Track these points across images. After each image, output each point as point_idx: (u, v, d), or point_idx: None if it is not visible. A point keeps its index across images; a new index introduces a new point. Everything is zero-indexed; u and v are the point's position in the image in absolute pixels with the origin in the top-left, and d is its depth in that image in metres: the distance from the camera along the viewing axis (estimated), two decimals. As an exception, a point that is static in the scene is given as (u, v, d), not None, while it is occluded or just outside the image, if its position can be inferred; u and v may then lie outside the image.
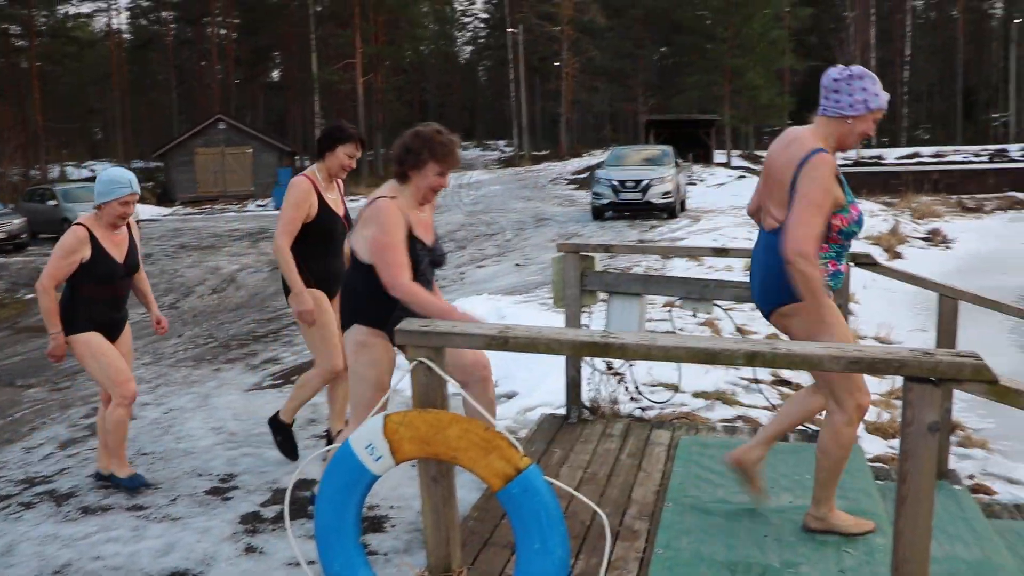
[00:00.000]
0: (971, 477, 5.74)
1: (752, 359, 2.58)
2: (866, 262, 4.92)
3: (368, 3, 47.41)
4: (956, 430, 6.59)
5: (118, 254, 5.01)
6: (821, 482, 3.77)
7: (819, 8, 59.18)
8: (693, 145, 36.49)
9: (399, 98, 55.21)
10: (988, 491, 5.66)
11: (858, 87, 3.48)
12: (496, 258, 18.02)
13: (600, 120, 70.67)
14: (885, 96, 3.55)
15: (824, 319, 3.45)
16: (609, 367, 6.72)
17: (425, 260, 3.94)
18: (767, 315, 3.75)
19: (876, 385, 7.65)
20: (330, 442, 5.32)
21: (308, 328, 5.00)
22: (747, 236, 16.73)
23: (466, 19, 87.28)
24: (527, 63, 58.01)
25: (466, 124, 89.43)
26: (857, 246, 15.78)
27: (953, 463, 5.23)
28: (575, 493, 3.21)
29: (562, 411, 5.65)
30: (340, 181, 5.20)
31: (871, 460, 5.45)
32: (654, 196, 21.89)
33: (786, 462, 4.78)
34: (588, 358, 5.75)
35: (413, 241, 3.88)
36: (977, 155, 48.29)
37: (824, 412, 3.75)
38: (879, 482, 4.89)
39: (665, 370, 6.93)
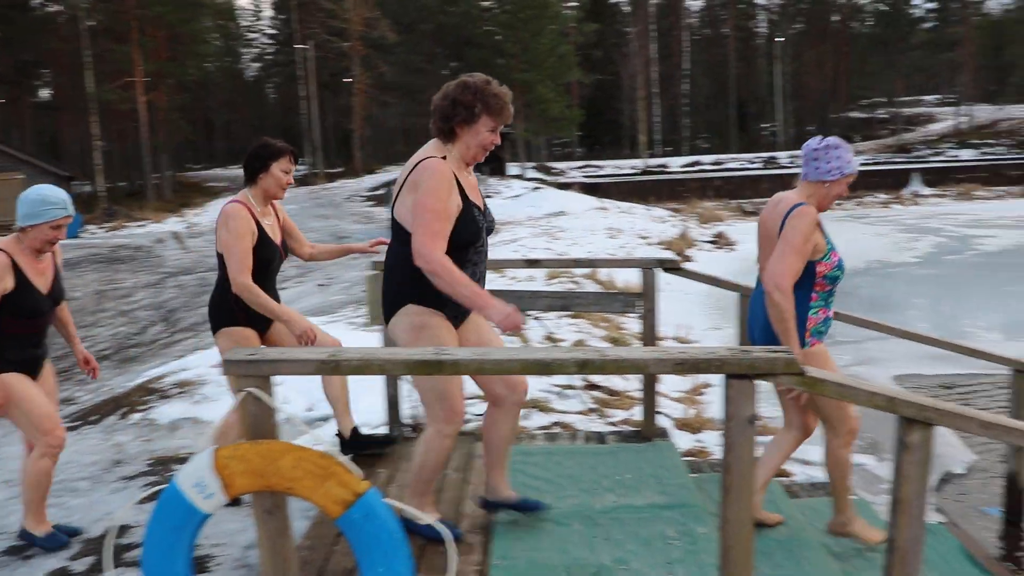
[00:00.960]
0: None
1: (584, 366, 2.66)
2: (672, 267, 5.18)
3: (147, 17, 45.29)
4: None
5: (43, 284, 4.42)
6: (835, 494, 4.37)
7: (603, 24, 61.70)
8: (488, 159, 36.98)
9: (183, 116, 53.04)
10: (786, 474, 6.09)
11: (834, 156, 4.07)
12: (297, 279, 17.66)
13: (394, 136, 70.65)
14: (856, 162, 4.12)
15: (811, 362, 3.97)
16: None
17: (483, 226, 3.65)
18: None
19: (681, 383, 8.05)
20: (343, 443, 5.05)
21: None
22: (546, 246, 17.21)
23: (252, 35, 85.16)
24: (318, 79, 57.24)
25: (255, 143, 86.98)
26: (648, 251, 16.36)
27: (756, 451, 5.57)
28: (417, 512, 3.21)
29: (383, 430, 5.61)
30: (275, 203, 4.78)
31: (684, 454, 5.72)
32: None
33: (606, 464, 4.96)
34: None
35: (469, 205, 3.57)
36: (751, 162, 51.75)
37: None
38: (693, 475, 5.15)
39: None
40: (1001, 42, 75.82)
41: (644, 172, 48.90)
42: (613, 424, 6.26)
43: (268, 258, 4.56)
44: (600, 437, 5.49)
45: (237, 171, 76.91)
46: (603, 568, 3.74)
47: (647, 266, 5.11)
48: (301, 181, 54.30)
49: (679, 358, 2.70)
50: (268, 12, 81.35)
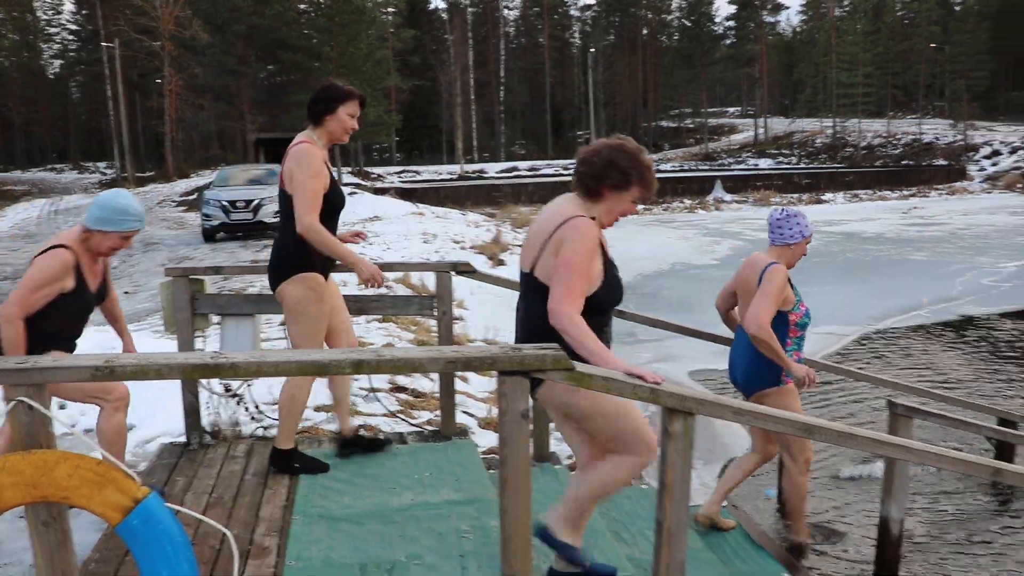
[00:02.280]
0: (569, 457, 6.40)
1: (359, 367, 2.75)
2: (465, 270, 5.33)
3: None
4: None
5: (94, 284, 4.35)
6: (792, 516, 5.33)
7: (420, 30, 61.86)
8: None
9: (-27, 115, 49.40)
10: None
11: (795, 222, 4.93)
12: (101, 287, 16.80)
13: (207, 139, 68.33)
14: (812, 226, 5.06)
15: (785, 398, 4.87)
16: (228, 389, 6.63)
17: (619, 289, 3.57)
18: (748, 396, 4.98)
19: (488, 383, 8.25)
20: (344, 445, 5.05)
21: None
22: (359, 252, 17.10)
23: (52, 29, 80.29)
24: (125, 79, 54.60)
25: (59, 144, 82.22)
26: (462, 255, 16.58)
27: (554, 446, 5.81)
28: (200, 516, 3.19)
29: (182, 438, 5.49)
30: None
31: (485, 452, 5.89)
32: (266, 216, 21.59)
33: (406, 463, 5.05)
34: (205, 382, 5.65)
35: (610, 266, 3.50)
36: (566, 168, 53.16)
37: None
38: (492, 471, 5.32)
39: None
40: (792, 60, 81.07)
41: (461, 177, 49.36)
42: (418, 425, 6.35)
43: (337, 203, 4.44)
44: (401, 437, 5.57)
45: (42, 175, 72.40)
46: (397, 564, 3.83)
47: (441, 270, 5.25)
48: (109, 185, 51.66)
49: (452, 357, 2.83)
50: (69, 6, 76.94)
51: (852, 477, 6.81)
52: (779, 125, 73.48)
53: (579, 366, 3.02)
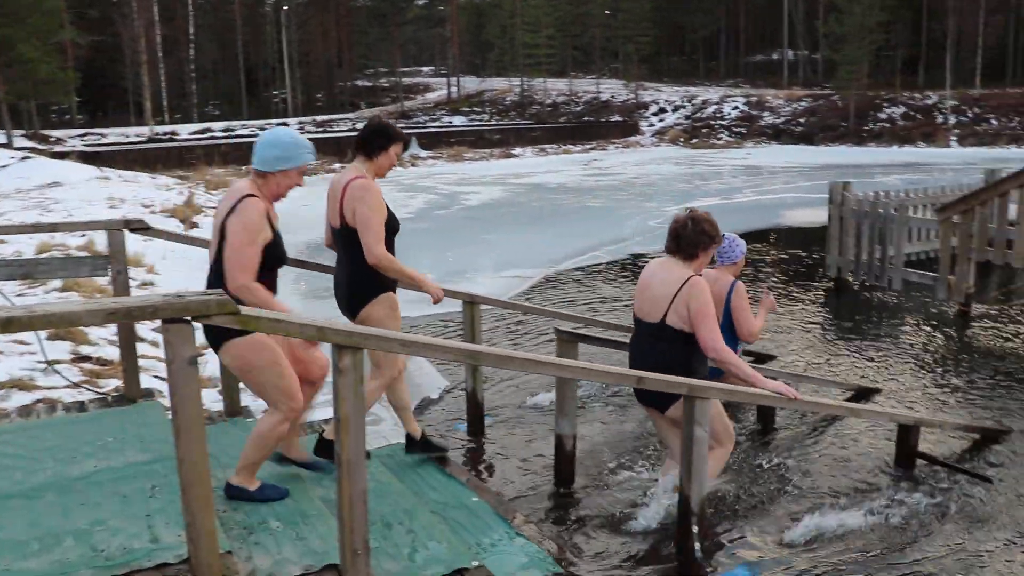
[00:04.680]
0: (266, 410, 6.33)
1: (8, 325, 2.57)
2: (139, 227, 5.09)
3: None
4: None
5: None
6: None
7: (97, -18, 56.99)
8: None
9: None
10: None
11: (736, 245, 5.99)
12: None
13: None
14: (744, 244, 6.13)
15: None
16: None
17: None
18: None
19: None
20: (411, 442, 5.12)
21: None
22: (37, 220, 15.71)
23: None
24: None
25: None
26: (160, 220, 15.53)
27: (247, 401, 5.72)
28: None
29: None
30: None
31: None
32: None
33: (87, 431, 4.80)
34: None
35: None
36: (262, 128, 51.44)
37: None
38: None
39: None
40: (481, 21, 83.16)
41: (151, 140, 46.35)
42: (104, 393, 6.02)
43: (395, 229, 4.73)
44: (81, 406, 5.27)
45: None
46: (80, 532, 3.65)
47: (114, 228, 4.97)
48: None
49: (112, 308, 2.72)
50: None
51: (535, 406, 7.27)
52: (471, 84, 75.19)
53: (244, 309, 3.00)
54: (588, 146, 48.98)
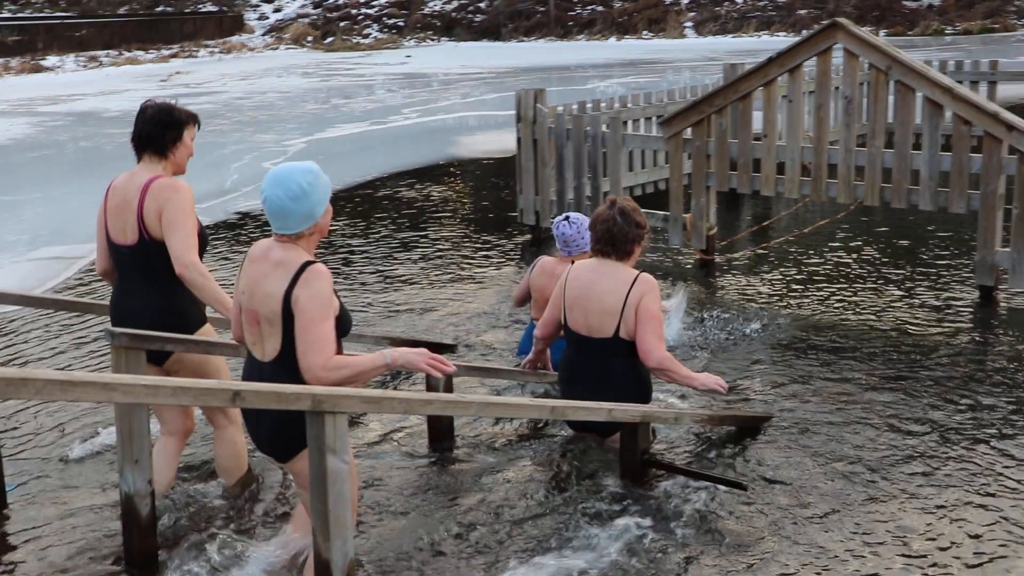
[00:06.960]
0: None
1: None
2: None
3: None
4: None
5: None
6: None
7: None
8: None
9: None
10: None
11: (587, 233, 6.64)
12: None
13: None
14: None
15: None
16: None
17: None
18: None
19: None
20: None
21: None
22: None
23: None
24: None
25: None
26: None
27: None
28: None
29: None
30: None
31: None
32: None
33: None
34: None
35: None
36: None
37: None
38: None
39: None
40: None
41: None
42: None
43: (205, 245, 5.33)
44: None
45: None
46: None
47: None
48: None
49: None
50: None
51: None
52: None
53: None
54: (167, 52, 48.30)
